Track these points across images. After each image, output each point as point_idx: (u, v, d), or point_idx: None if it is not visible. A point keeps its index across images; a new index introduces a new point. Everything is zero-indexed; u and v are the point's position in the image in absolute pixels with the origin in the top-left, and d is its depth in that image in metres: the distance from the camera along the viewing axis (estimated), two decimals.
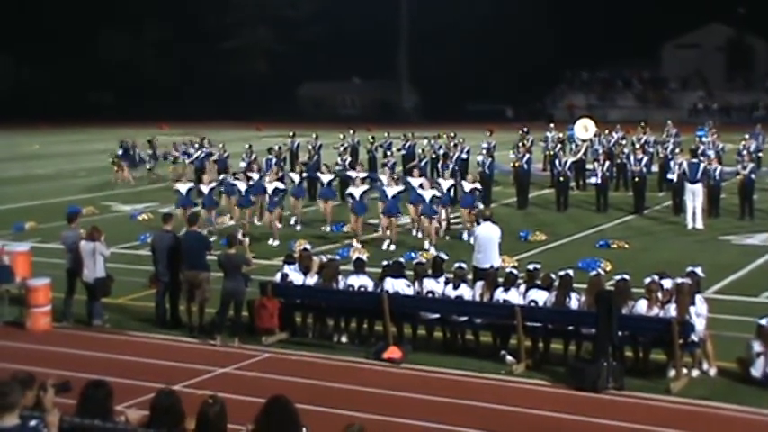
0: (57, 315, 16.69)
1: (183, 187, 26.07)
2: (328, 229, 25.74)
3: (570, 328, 14.14)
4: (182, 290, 16.29)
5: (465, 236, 23.79)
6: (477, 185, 24.71)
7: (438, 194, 23.72)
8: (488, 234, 17.40)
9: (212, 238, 23.19)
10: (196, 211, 20.40)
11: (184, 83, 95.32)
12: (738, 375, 13.30)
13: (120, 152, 41.26)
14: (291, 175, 27.65)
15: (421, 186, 23.88)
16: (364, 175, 26.43)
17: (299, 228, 26.07)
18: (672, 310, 13.34)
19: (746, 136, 35.98)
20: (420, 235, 24.05)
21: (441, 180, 25.62)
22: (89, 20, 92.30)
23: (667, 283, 13.85)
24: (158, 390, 7.80)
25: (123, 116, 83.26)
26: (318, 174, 27.83)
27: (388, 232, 23.37)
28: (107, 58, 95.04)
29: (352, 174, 26.61)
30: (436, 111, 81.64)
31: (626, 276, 14.37)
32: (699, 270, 14.41)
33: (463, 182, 25.31)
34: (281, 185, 25.25)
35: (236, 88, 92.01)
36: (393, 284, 15.08)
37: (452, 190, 25.60)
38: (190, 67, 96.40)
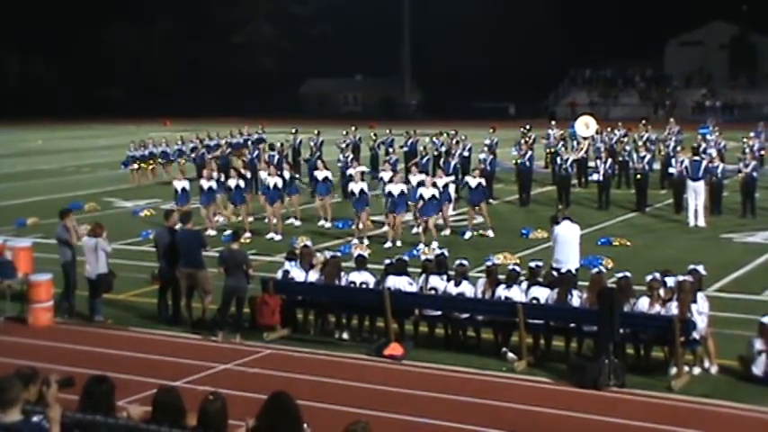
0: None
1: (179, 185, 26.18)
2: (328, 225, 25.71)
3: (572, 325, 14.15)
4: (179, 286, 16.35)
5: (467, 234, 23.85)
6: (482, 180, 24.70)
7: (437, 194, 23.55)
8: (569, 234, 17.04)
9: (210, 233, 23.28)
10: (189, 210, 20.51)
11: (191, 79, 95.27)
12: (740, 373, 13.29)
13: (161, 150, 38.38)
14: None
15: (421, 184, 23.75)
16: (363, 169, 26.45)
17: (298, 224, 26.06)
18: (673, 308, 13.33)
19: (751, 134, 35.92)
20: (420, 230, 23.94)
21: (437, 178, 25.55)
22: (98, 15, 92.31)
23: (670, 281, 13.86)
24: (160, 386, 7.83)
25: (130, 112, 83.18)
26: (314, 172, 27.87)
27: (386, 228, 23.38)
28: (115, 54, 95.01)
29: (350, 171, 26.72)
30: (439, 108, 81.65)
31: (628, 274, 14.35)
32: (700, 268, 14.40)
33: (468, 178, 25.30)
34: (280, 181, 25.25)
35: (241, 84, 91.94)
36: (395, 282, 15.08)
37: (449, 187, 25.45)
38: (196, 63, 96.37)
